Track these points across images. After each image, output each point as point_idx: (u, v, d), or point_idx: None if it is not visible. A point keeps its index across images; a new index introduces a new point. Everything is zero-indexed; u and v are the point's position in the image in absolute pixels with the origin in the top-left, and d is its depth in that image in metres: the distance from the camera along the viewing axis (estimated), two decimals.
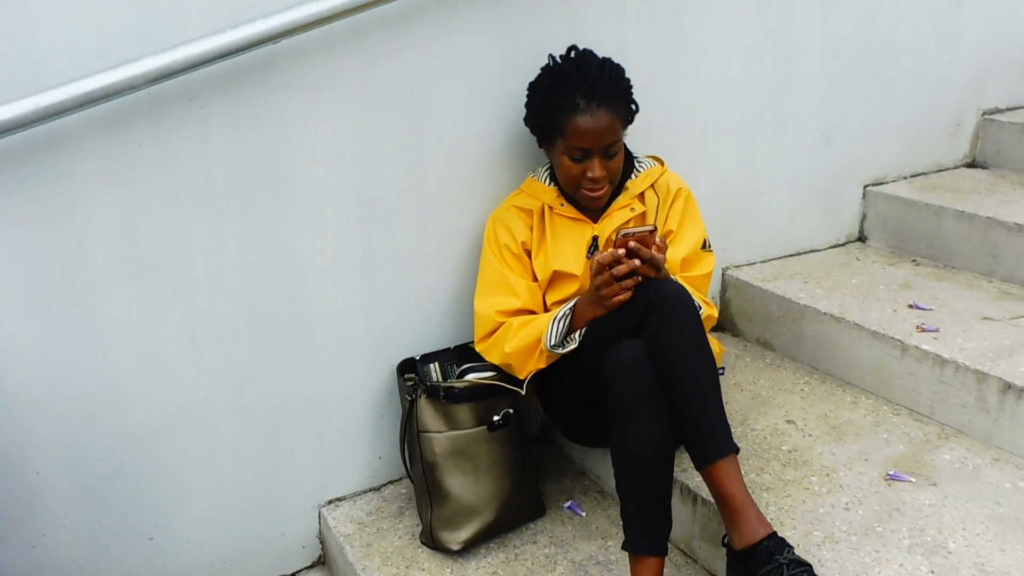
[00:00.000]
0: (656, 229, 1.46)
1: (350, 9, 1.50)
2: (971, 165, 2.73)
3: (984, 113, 2.69)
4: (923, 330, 1.89)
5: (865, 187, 2.51)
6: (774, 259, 2.40)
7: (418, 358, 1.82)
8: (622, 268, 1.43)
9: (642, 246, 1.42)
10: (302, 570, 1.91)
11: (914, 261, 2.36)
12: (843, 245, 2.52)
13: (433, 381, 1.71)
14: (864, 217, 2.53)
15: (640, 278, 1.45)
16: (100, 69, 1.33)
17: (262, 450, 1.77)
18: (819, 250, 2.48)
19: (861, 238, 2.55)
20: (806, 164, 2.36)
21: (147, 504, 1.68)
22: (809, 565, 1.27)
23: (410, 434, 1.73)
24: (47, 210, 1.44)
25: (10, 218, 1.42)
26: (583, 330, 1.55)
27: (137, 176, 1.49)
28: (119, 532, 1.67)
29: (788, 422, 1.85)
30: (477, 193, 1.83)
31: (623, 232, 1.43)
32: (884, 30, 2.37)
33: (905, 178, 2.58)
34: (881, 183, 2.53)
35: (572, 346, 1.56)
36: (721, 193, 2.21)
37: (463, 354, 1.83)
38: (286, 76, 1.56)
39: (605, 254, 1.44)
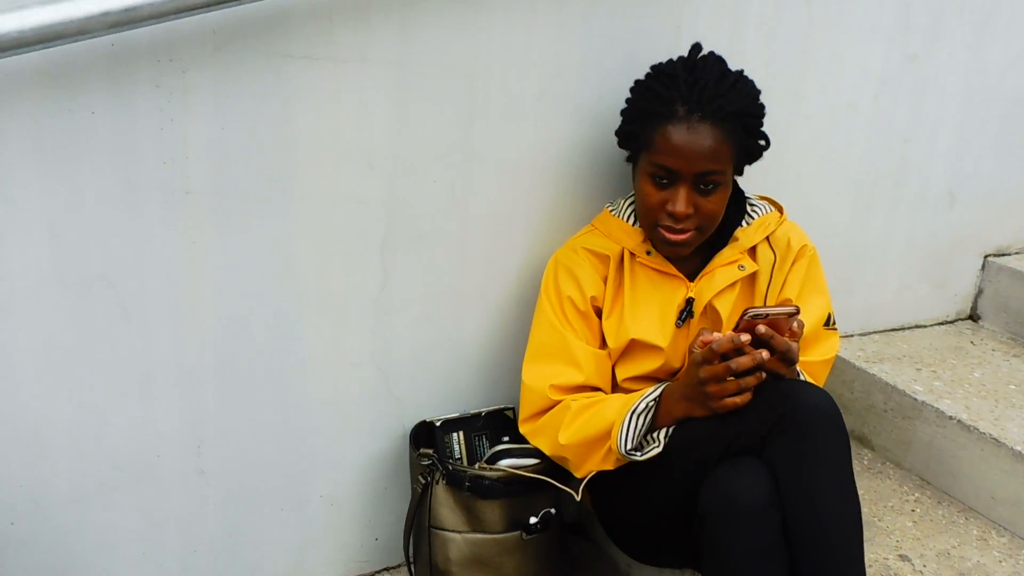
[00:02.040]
0: (799, 311, 1.05)
1: None
2: None
3: None
4: None
5: (986, 257, 2.10)
6: (874, 332, 1.99)
7: (438, 424, 1.41)
8: (744, 361, 1.02)
9: (775, 333, 1.01)
10: None
11: None
12: (952, 323, 2.12)
13: (456, 462, 1.31)
14: (980, 292, 2.12)
15: (764, 375, 1.04)
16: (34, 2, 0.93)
17: (223, 523, 1.37)
18: (924, 326, 2.07)
19: (973, 316, 2.14)
20: (925, 225, 1.96)
21: None
22: None
23: (419, 526, 1.33)
24: None
25: None
26: (670, 429, 1.15)
27: (86, 155, 1.09)
28: None
29: (901, 557, 1.44)
30: (537, 222, 1.43)
31: (752, 311, 1.02)
32: None
33: None
34: (1004, 254, 2.12)
35: (654, 451, 1.15)
36: (826, 251, 1.79)
37: (496, 425, 1.43)
38: (303, 42, 1.16)
39: (721, 338, 1.03)
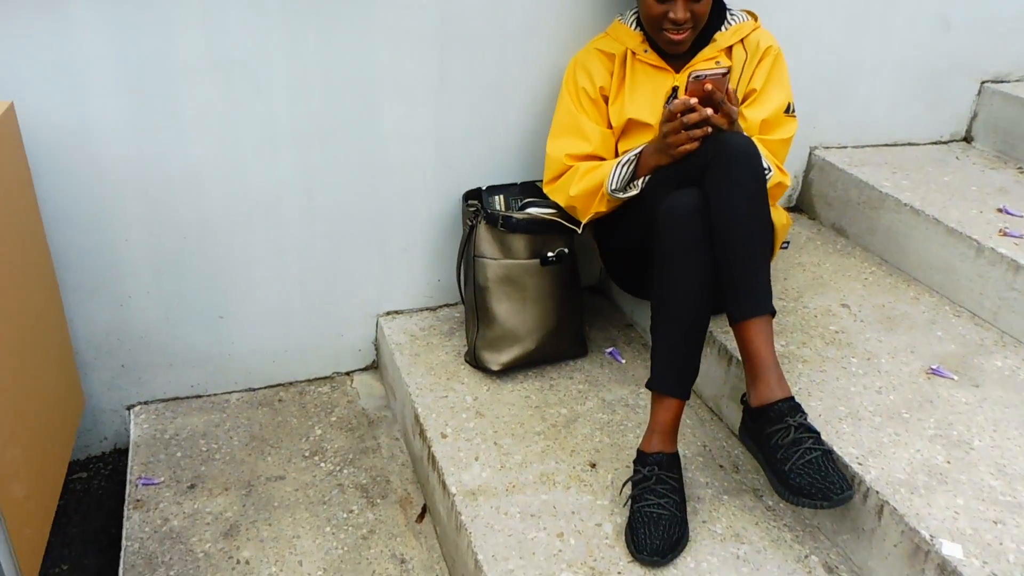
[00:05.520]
0: (730, 71, 1.42)
1: None
2: None
3: None
4: (1005, 234, 1.82)
5: (983, 83, 2.34)
6: (867, 146, 2.30)
7: (484, 188, 1.86)
8: (692, 116, 1.41)
9: (716, 89, 1.39)
10: (355, 371, 2.06)
11: (1020, 169, 2.23)
12: (946, 143, 2.39)
13: (495, 210, 1.76)
14: (975, 116, 2.37)
15: (710, 129, 1.43)
16: None
17: (327, 254, 1.87)
18: (918, 144, 2.36)
19: (967, 138, 2.41)
20: (919, 46, 2.21)
21: (220, 285, 1.82)
22: (817, 433, 1.30)
23: (467, 257, 1.80)
24: None
25: (97, 3, 1.48)
26: (646, 177, 1.56)
27: None
28: (193, 306, 1.82)
29: (843, 305, 1.84)
30: (562, 31, 1.80)
31: (695, 73, 1.39)
32: None
33: None
34: (1002, 81, 2.36)
35: (634, 192, 1.57)
36: (818, 64, 2.10)
37: (528, 190, 1.86)
38: None
39: (676, 101, 1.41)
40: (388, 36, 1.69)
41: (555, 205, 1.74)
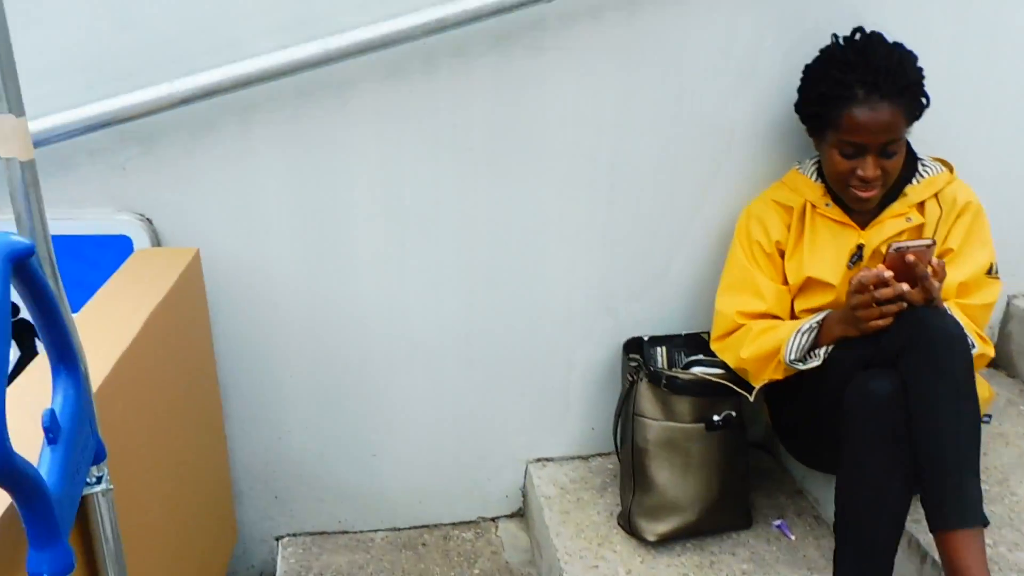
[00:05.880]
0: (935, 243, 1.28)
1: None
2: None
3: None
4: None
5: None
6: None
7: (646, 339, 1.78)
8: (886, 292, 1.27)
9: (919, 262, 1.26)
10: (501, 517, 1.98)
11: None
12: None
13: (657, 366, 1.67)
14: None
15: (904, 305, 1.29)
16: (380, 18, 1.42)
17: (482, 398, 1.84)
18: None
19: None
20: None
21: (375, 423, 1.82)
22: None
23: (625, 414, 1.70)
24: (321, 143, 1.56)
25: (290, 148, 1.56)
26: (829, 348, 1.42)
27: (403, 121, 1.57)
28: (348, 442, 1.83)
29: None
30: (733, 179, 1.73)
31: (895, 246, 1.27)
32: None
33: None
34: None
35: (815, 363, 1.43)
36: (1020, 211, 1.90)
37: (693, 344, 1.76)
38: (554, 37, 1.55)
39: (868, 273, 1.29)
40: (558, 186, 1.68)
41: (723, 364, 1.63)
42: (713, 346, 1.64)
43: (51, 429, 0.78)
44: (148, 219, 1.56)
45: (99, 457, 0.91)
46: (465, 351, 1.78)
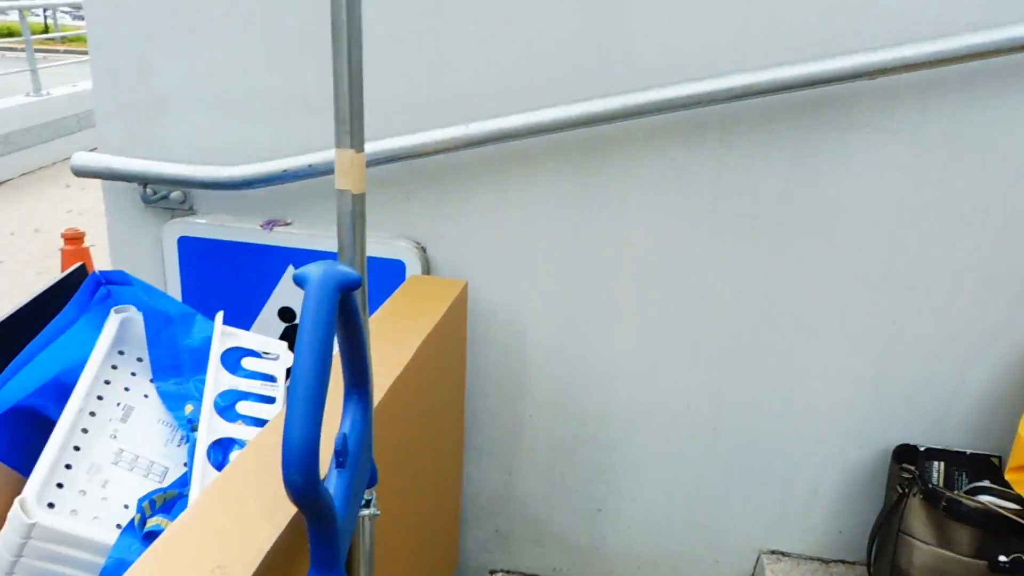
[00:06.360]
0: None
1: (973, 54, 1.30)
2: None
3: None
4: None
5: None
6: None
7: (921, 449, 1.58)
8: None
9: None
10: None
11: None
12: None
13: (934, 483, 1.47)
14: None
15: None
16: (680, 80, 1.38)
17: (723, 475, 1.73)
18: None
19: None
20: None
21: (606, 479, 1.77)
22: None
23: (888, 527, 1.52)
24: (600, 205, 1.55)
25: (570, 204, 1.56)
26: None
27: (685, 184, 1.52)
28: (576, 491, 1.79)
29: None
30: None
31: None
32: None
33: None
34: None
35: None
36: None
37: (978, 467, 1.54)
38: (867, 114, 1.42)
39: None
40: (842, 271, 1.53)
41: (1018, 498, 1.40)
42: (1009, 476, 1.41)
43: (342, 453, 0.81)
44: (423, 247, 1.63)
45: (372, 481, 0.94)
46: (711, 423, 1.69)
